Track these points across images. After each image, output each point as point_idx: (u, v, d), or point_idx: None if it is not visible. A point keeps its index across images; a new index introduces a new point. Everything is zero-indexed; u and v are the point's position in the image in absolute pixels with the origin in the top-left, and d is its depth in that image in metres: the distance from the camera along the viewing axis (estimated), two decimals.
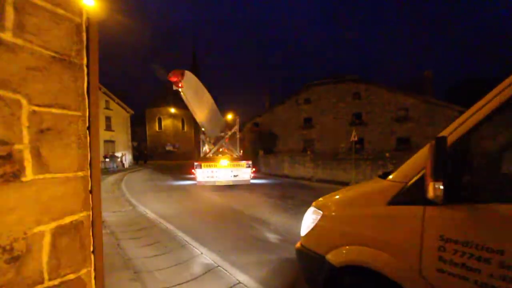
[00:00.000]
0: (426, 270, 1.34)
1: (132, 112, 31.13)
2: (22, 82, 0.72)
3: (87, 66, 0.89)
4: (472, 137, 1.31)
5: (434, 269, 1.31)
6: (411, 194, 1.40)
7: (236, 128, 13.00)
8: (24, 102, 0.72)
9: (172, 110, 41.55)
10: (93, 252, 0.91)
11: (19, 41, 0.71)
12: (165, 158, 41.48)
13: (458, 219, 1.26)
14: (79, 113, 0.86)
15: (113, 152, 24.03)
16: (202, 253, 3.63)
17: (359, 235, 1.66)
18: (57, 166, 0.80)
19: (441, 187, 1.19)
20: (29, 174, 0.73)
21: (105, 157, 22.27)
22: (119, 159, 25.27)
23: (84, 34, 0.89)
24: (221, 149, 12.94)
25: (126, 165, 25.79)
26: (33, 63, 0.75)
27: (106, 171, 19.55)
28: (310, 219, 2.07)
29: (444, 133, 1.37)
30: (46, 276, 0.76)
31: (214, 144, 12.68)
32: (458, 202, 1.26)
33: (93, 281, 0.90)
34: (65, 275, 0.81)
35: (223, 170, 10.69)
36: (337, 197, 2.02)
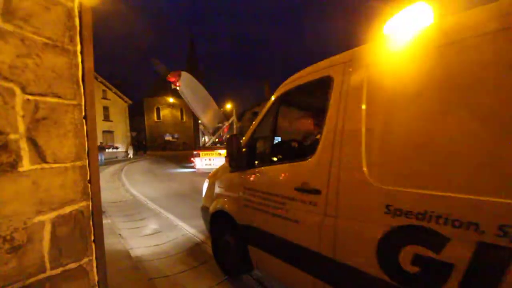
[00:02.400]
0: (241, 206, 2.29)
1: (130, 102, 30.79)
2: (15, 70, 0.70)
3: (81, 53, 0.87)
4: (253, 134, 2.36)
5: (243, 205, 2.27)
6: None
7: (233, 118, 13.57)
8: (17, 90, 0.70)
9: (171, 99, 40.97)
10: (94, 241, 0.91)
11: (9, 27, 0.68)
12: (165, 148, 41.45)
13: (248, 177, 2.24)
14: (74, 102, 0.84)
15: (101, 142, 20.66)
16: (168, 218, 5.03)
17: (220, 193, 2.70)
18: (55, 156, 0.79)
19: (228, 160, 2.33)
20: (26, 164, 0.72)
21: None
22: (119, 149, 25.09)
23: (77, 20, 0.85)
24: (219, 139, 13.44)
25: (131, 156, 25.93)
26: (24, 50, 0.72)
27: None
28: (205, 186, 3.12)
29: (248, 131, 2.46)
30: (47, 265, 0.77)
31: (213, 134, 13.22)
32: (248, 168, 2.25)
33: (94, 269, 0.91)
34: (66, 264, 0.82)
35: (219, 158, 11.50)
36: (216, 170, 3.07)
